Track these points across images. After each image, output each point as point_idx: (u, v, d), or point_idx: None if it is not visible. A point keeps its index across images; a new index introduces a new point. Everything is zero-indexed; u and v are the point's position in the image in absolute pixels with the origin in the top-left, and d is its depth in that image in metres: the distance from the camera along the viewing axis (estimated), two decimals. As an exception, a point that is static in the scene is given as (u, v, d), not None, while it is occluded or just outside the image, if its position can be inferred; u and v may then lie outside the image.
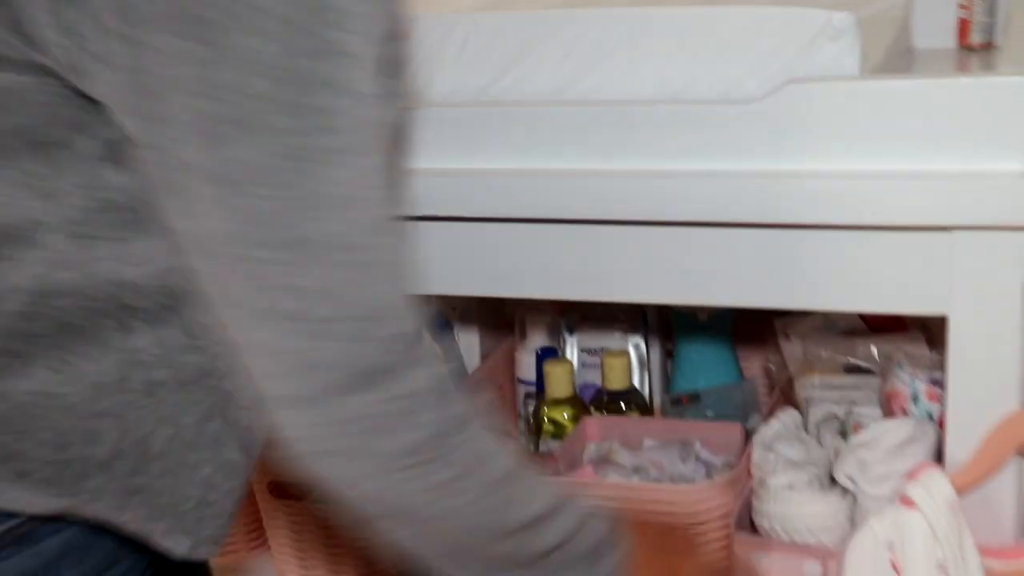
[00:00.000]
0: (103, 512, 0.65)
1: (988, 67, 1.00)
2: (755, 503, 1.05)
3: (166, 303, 0.65)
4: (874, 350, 1.20)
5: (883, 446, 1.01)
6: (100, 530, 0.66)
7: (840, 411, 1.16)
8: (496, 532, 0.70)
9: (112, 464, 0.65)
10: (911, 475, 0.91)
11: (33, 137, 0.60)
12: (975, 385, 0.89)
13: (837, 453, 1.06)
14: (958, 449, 0.91)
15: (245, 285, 0.58)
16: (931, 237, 0.86)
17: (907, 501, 0.90)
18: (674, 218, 0.90)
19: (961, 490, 0.90)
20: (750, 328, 1.28)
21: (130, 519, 0.66)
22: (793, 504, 1.03)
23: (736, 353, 1.33)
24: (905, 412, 1.08)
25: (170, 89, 0.55)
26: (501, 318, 1.33)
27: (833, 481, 1.04)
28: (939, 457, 0.97)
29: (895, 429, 1.01)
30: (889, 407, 1.10)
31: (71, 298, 0.63)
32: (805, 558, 1.01)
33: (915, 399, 1.08)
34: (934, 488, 0.90)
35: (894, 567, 0.91)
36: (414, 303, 0.63)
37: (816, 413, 1.19)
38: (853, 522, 1.04)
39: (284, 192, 0.57)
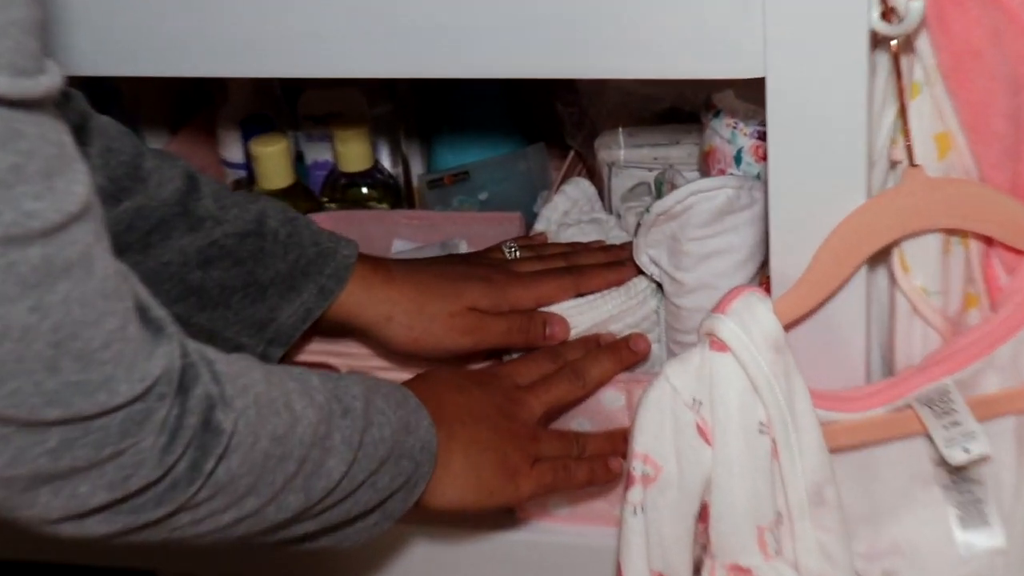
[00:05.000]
0: None
1: None
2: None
3: None
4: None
5: (697, 215, 1.02)
6: None
7: (653, 178, 1.19)
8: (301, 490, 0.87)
9: None
10: (720, 306, 0.91)
11: None
12: (805, 173, 0.90)
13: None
14: (786, 262, 0.92)
15: None
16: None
17: (717, 343, 0.90)
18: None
19: (790, 321, 0.91)
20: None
21: None
22: (562, 306, 1.08)
23: (515, 114, 1.37)
24: (724, 175, 1.11)
25: None
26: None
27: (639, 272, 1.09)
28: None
29: (711, 192, 1.02)
30: (707, 170, 1.12)
31: None
32: (602, 387, 1.05)
33: (738, 159, 1.09)
34: (752, 322, 0.90)
35: (701, 432, 0.91)
36: None
37: (621, 182, 1.21)
38: (666, 326, 1.09)
39: None
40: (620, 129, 1.21)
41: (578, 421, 1.05)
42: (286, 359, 1.07)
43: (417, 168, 1.36)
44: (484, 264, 1.12)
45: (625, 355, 1.03)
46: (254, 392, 0.82)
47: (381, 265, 1.08)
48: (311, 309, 1.04)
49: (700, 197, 1.01)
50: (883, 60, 0.90)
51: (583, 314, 1.07)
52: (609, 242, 1.16)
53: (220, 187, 1.05)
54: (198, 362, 0.78)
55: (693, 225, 1.02)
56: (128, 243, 0.97)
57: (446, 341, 1.07)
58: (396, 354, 1.09)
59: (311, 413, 0.86)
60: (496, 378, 1.02)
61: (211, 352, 0.81)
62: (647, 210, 1.06)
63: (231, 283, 1.02)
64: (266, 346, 1.03)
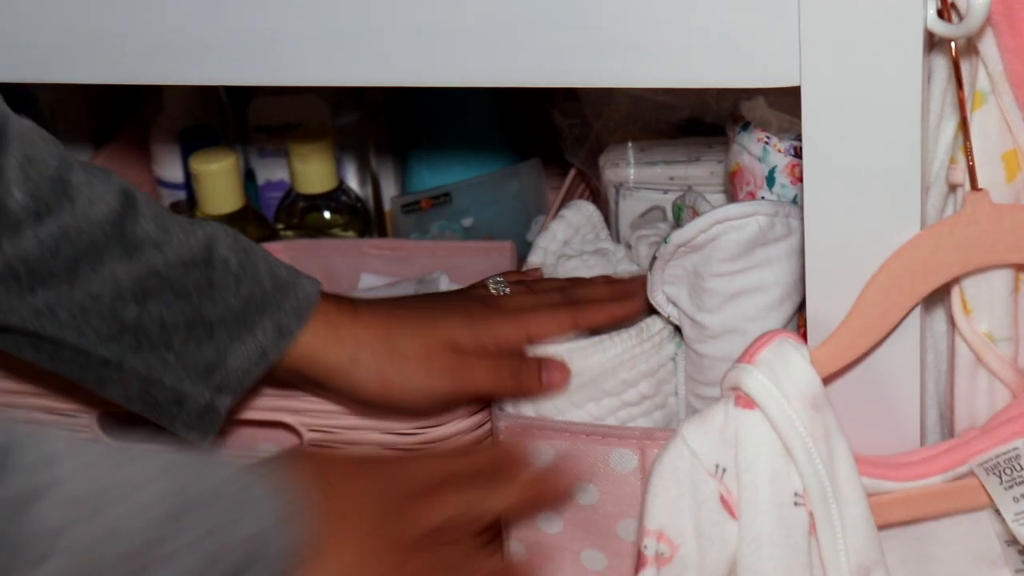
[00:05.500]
0: None
1: None
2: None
3: None
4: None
5: (722, 248, 1.01)
6: None
7: (669, 201, 1.18)
8: None
9: None
10: (748, 355, 0.91)
11: None
12: (848, 197, 0.90)
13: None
14: (825, 304, 0.93)
15: None
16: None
17: (743, 399, 0.90)
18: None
19: (831, 373, 0.92)
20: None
21: None
22: (562, 348, 1.06)
23: (505, 126, 1.37)
24: (755, 199, 1.12)
25: None
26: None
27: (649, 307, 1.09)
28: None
29: (740, 220, 1.01)
30: (734, 193, 1.12)
31: None
32: (612, 445, 1.04)
33: (771, 180, 1.09)
34: (786, 374, 0.90)
35: (725, 504, 0.91)
36: None
37: (631, 206, 1.22)
38: (685, 377, 1.08)
39: None
40: (630, 143, 1.21)
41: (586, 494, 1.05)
42: (235, 414, 1.04)
43: (389, 189, 1.37)
44: (466, 298, 1.11)
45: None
46: None
47: (346, 302, 1.06)
48: (266, 351, 1.01)
49: (727, 226, 0.99)
50: (940, 65, 0.89)
51: (587, 358, 1.04)
52: (617, 277, 1.15)
53: (162, 208, 1.02)
54: None
55: (718, 259, 1.00)
56: (52, 271, 0.95)
57: (420, 383, 1.04)
58: (364, 405, 1.06)
59: None
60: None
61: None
62: (664, 240, 1.03)
63: (173, 320, 0.99)
64: (213, 394, 1.01)
